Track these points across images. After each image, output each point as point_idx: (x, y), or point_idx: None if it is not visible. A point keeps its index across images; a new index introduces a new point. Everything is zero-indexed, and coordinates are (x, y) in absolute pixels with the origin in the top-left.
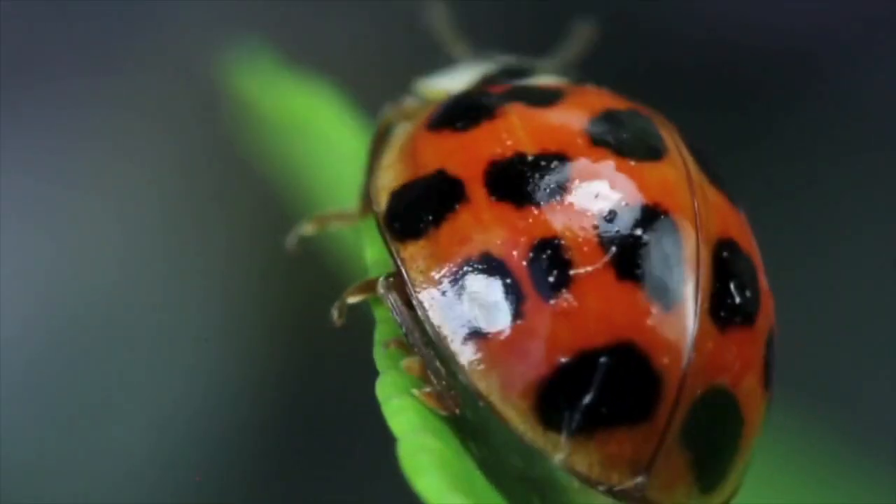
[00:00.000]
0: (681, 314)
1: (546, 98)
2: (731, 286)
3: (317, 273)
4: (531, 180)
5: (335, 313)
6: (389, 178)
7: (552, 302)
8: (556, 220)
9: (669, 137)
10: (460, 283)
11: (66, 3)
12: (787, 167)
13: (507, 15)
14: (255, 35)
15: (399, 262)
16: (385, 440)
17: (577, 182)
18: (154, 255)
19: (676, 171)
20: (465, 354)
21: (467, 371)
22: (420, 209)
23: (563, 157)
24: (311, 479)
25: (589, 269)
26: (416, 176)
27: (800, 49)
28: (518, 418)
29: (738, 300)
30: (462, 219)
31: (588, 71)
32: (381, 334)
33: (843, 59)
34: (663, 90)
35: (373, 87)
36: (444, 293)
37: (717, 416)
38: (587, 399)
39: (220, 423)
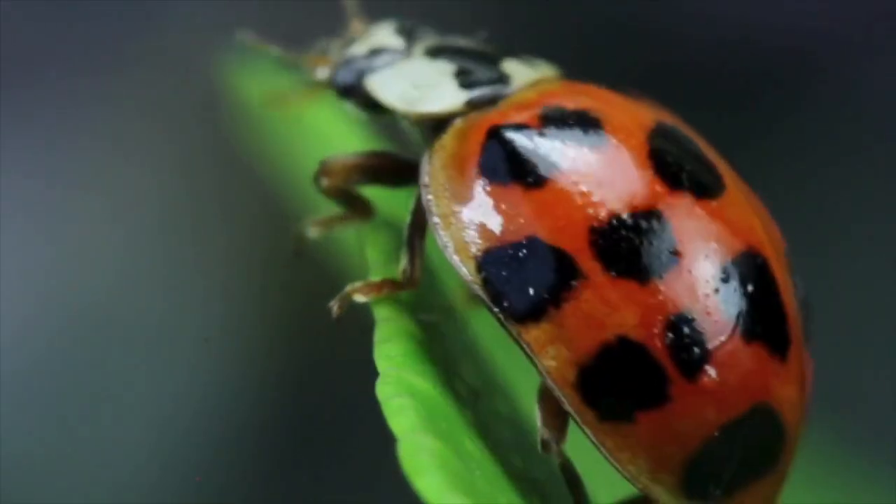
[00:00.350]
0: (793, 357)
1: (586, 127)
2: (803, 305)
3: (317, 273)
4: (641, 248)
5: (336, 305)
6: (460, 234)
7: (695, 380)
8: (682, 292)
9: (708, 150)
10: (600, 372)
11: (66, 3)
12: (787, 167)
13: (506, 15)
14: (254, 35)
15: (522, 343)
16: (385, 440)
17: (683, 242)
18: (154, 255)
19: (741, 196)
20: (612, 439)
21: (614, 456)
22: (529, 284)
23: (657, 215)
24: (311, 479)
25: (722, 338)
26: (502, 241)
27: (800, 49)
28: (665, 492)
29: (807, 317)
30: (587, 300)
31: (589, 71)
32: (381, 334)
33: (843, 59)
34: (663, 90)
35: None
36: (583, 385)
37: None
38: (731, 465)
39: (220, 423)
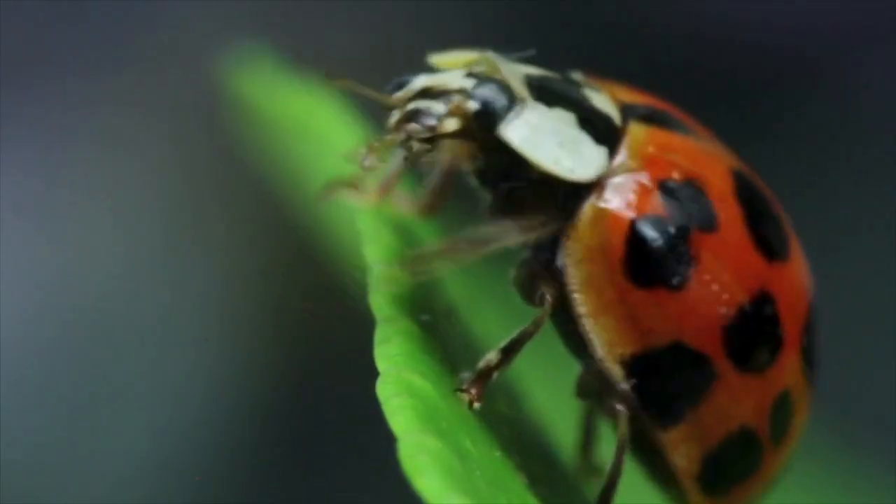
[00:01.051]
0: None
1: (700, 207)
2: None
3: (317, 273)
4: (761, 339)
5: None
6: (605, 336)
7: (779, 448)
8: (788, 371)
9: (761, 181)
10: (718, 463)
11: (66, 3)
12: (788, 167)
13: (509, 15)
14: (255, 36)
15: (656, 442)
16: (385, 440)
17: (786, 321)
18: (154, 255)
19: (797, 241)
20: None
21: None
22: (673, 389)
23: (767, 297)
24: (312, 478)
25: (804, 404)
26: (648, 345)
27: (800, 49)
28: None
29: None
30: (720, 399)
31: (589, 71)
32: (381, 334)
33: (843, 59)
34: (664, 90)
35: (373, 88)
36: (703, 475)
37: None
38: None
39: (221, 423)
